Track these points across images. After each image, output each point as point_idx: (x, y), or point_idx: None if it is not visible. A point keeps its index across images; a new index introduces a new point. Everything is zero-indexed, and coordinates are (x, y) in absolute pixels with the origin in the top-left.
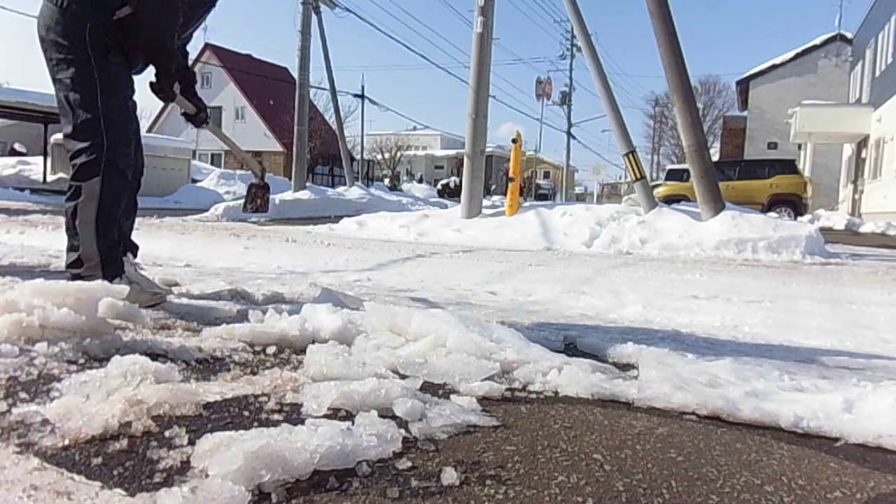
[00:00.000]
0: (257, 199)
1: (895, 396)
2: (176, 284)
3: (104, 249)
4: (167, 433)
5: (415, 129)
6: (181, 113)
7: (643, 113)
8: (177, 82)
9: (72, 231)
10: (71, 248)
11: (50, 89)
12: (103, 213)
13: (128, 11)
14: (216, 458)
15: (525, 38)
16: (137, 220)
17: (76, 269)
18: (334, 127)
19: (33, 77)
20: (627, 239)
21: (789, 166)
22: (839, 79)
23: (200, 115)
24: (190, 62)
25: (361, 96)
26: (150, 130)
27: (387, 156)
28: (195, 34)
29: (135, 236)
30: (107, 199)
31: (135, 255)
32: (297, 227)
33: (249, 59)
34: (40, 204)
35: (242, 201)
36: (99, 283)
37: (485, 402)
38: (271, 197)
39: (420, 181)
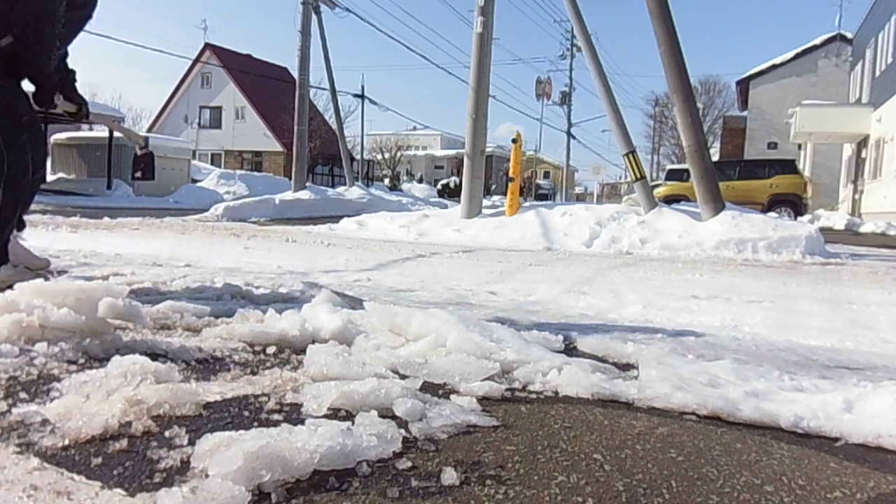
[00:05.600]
0: (141, 163)
1: (895, 396)
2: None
3: None
4: (167, 433)
5: (415, 129)
6: (63, 112)
7: (643, 113)
8: (57, 92)
9: None
10: None
11: None
12: (2, 220)
13: (9, 41)
14: (216, 458)
15: (525, 38)
16: (136, 219)
17: None
18: (334, 127)
19: None
20: (627, 239)
21: (789, 166)
22: (839, 79)
23: (82, 111)
24: (70, 67)
25: (361, 96)
26: (149, 130)
27: (387, 156)
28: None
29: (135, 235)
30: (5, 210)
31: (20, 231)
32: (297, 227)
33: (249, 59)
34: (40, 204)
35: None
36: (99, 284)
37: (485, 402)
38: (271, 197)
39: (420, 181)
